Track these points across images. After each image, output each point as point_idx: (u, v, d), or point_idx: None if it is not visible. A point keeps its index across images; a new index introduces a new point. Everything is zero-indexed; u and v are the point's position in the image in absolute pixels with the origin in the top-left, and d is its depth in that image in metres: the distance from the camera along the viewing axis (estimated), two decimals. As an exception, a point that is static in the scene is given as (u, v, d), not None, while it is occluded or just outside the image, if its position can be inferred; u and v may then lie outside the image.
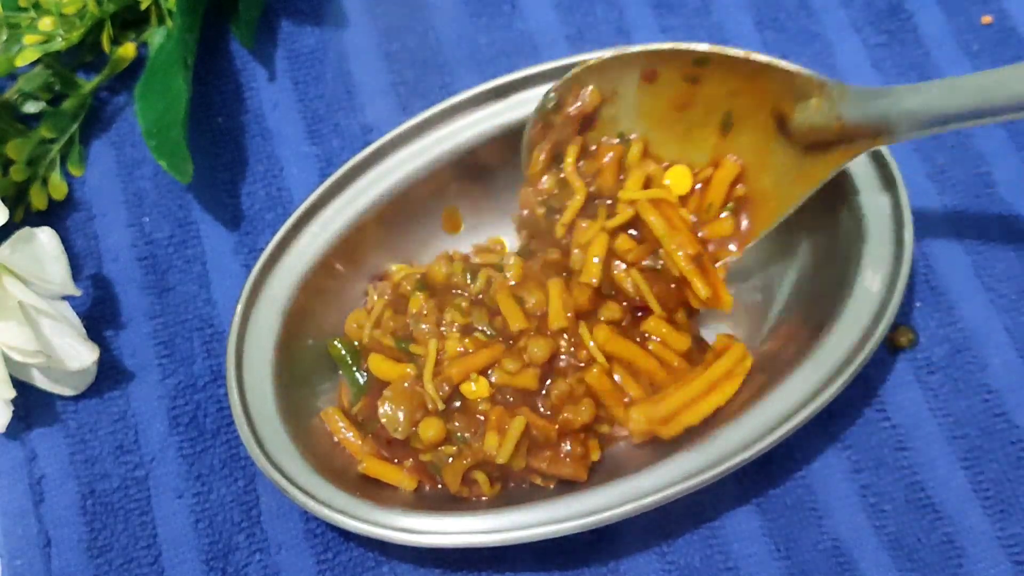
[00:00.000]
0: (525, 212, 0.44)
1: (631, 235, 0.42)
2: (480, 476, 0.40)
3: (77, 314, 0.44)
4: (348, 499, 0.40)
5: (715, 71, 0.41)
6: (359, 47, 0.50)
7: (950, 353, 0.43)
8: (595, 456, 0.41)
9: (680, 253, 0.41)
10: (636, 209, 0.41)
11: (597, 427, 0.41)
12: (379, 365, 0.42)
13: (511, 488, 0.41)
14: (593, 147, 0.44)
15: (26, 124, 0.48)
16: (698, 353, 0.42)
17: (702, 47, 0.41)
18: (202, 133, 0.49)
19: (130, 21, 0.50)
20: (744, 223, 0.42)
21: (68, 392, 0.44)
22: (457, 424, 0.40)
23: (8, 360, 0.42)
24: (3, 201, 0.43)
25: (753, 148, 0.42)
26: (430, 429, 0.40)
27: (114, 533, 0.42)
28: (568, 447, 0.40)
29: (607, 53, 0.42)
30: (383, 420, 0.41)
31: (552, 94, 0.43)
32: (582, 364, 0.41)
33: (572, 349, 0.41)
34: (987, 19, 0.49)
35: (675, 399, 0.41)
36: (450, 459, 0.40)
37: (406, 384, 0.41)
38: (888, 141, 0.38)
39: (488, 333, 0.41)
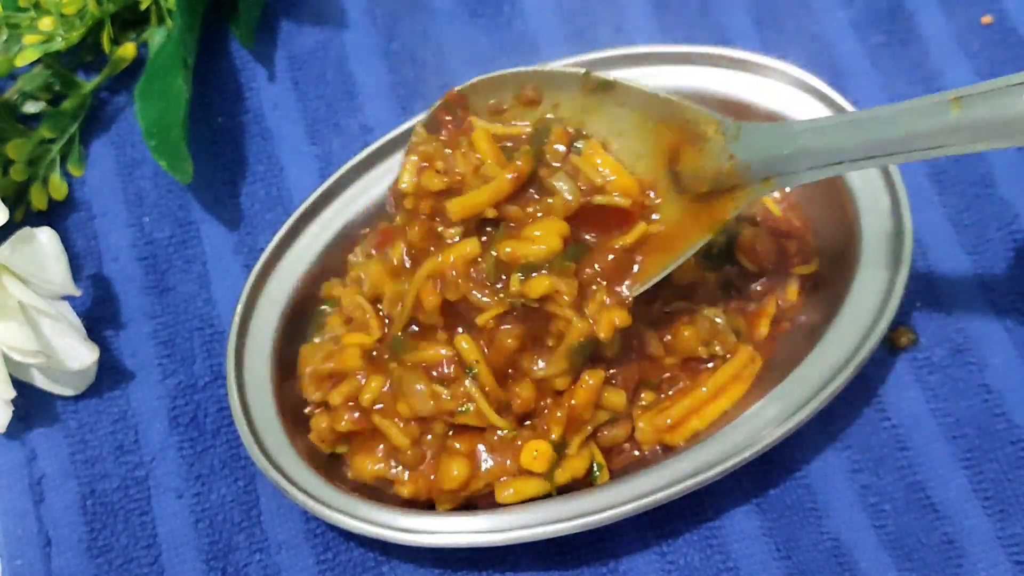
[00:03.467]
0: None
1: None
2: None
3: (77, 314, 0.44)
4: (348, 499, 0.40)
5: (617, 100, 0.39)
6: (359, 47, 0.50)
7: (950, 353, 0.43)
8: (600, 458, 0.41)
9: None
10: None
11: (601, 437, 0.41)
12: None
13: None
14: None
15: (26, 124, 0.48)
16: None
17: (604, 76, 0.39)
18: (202, 133, 0.49)
19: (130, 21, 0.50)
20: (636, 266, 0.40)
21: (68, 392, 0.44)
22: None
23: (8, 360, 0.42)
24: (3, 201, 0.43)
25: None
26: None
27: (114, 533, 0.42)
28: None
29: (504, 72, 0.41)
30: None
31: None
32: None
33: None
34: (987, 19, 0.49)
35: (681, 405, 0.41)
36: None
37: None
38: (784, 183, 0.36)
39: None
